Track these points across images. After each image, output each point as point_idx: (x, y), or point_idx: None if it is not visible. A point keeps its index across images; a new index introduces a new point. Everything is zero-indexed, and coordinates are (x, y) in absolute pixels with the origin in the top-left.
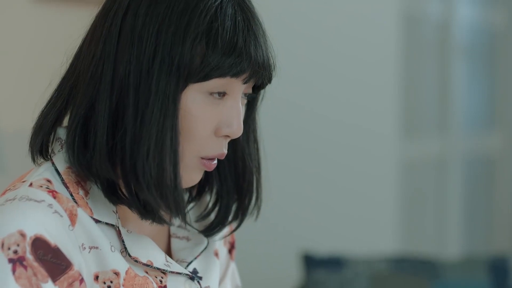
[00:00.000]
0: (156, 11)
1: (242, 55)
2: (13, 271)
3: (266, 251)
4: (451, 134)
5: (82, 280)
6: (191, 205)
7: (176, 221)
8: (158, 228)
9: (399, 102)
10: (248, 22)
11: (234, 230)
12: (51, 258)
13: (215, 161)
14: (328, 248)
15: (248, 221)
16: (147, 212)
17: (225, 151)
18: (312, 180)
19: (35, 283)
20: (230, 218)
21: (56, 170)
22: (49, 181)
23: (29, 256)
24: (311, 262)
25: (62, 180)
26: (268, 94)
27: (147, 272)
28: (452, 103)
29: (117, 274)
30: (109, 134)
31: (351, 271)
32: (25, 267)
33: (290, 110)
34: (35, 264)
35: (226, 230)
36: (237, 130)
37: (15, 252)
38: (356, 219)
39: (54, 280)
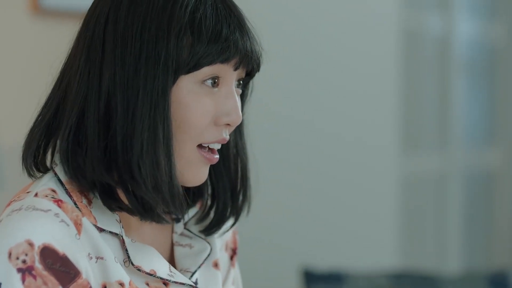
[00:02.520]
0: (137, 11)
1: (228, 40)
2: (23, 280)
3: (266, 267)
4: (451, 149)
5: None
6: (192, 211)
7: (179, 228)
8: (161, 237)
9: (399, 117)
10: (229, 9)
11: (232, 226)
12: (60, 267)
13: (217, 155)
14: (328, 263)
15: (248, 235)
16: (146, 211)
17: (226, 137)
18: (312, 195)
19: None
20: (227, 215)
21: (59, 180)
22: (53, 190)
23: (38, 265)
24: (311, 278)
25: (66, 189)
26: (268, 109)
27: (147, 284)
28: (452, 118)
29: (122, 285)
30: (100, 137)
31: (351, 287)
32: (34, 277)
33: (290, 124)
34: (45, 273)
35: (224, 227)
36: (236, 118)
37: (24, 261)
38: (356, 234)
39: None
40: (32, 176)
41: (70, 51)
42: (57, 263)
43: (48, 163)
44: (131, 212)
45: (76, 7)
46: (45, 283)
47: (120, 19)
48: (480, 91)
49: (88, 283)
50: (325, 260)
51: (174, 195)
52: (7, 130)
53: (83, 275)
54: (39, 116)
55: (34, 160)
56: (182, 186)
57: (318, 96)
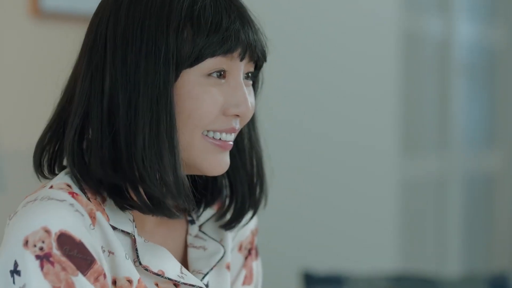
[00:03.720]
0: (137, 10)
1: (229, 30)
2: (41, 267)
3: (266, 269)
4: (451, 152)
5: (105, 275)
6: (208, 212)
7: (193, 230)
8: (175, 238)
9: (399, 120)
10: (229, 1)
11: (251, 218)
12: (77, 253)
13: (231, 142)
14: (328, 266)
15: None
16: (155, 206)
17: (236, 126)
18: (312, 197)
19: (63, 279)
20: (246, 208)
21: (76, 177)
22: (69, 185)
23: (56, 252)
24: (311, 280)
25: (81, 186)
26: (267, 111)
27: (157, 285)
28: (452, 121)
29: (130, 282)
30: (104, 136)
31: None
32: (52, 263)
33: (289, 127)
34: (64, 259)
35: (243, 220)
36: (246, 109)
37: (41, 248)
38: (356, 236)
39: (84, 274)
40: (46, 178)
41: (77, 56)
42: (74, 250)
43: (64, 163)
44: (141, 209)
45: (76, 10)
46: (63, 269)
47: (120, 20)
48: (480, 94)
49: (103, 270)
50: (325, 263)
51: (180, 187)
52: (8, 133)
53: (98, 262)
54: (49, 121)
55: (49, 166)
56: (190, 178)
57: (318, 98)
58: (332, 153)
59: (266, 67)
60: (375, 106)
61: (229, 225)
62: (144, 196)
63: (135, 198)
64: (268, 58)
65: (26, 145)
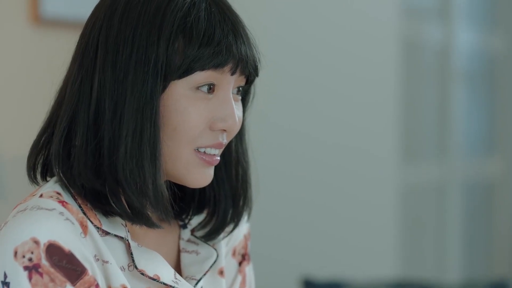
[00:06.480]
0: (130, 17)
1: (221, 44)
2: (29, 278)
3: (266, 276)
4: (451, 159)
5: (97, 286)
6: (199, 217)
7: (185, 234)
8: (167, 243)
9: (399, 127)
10: (224, 14)
11: (231, 232)
12: (66, 264)
13: (218, 157)
14: (328, 273)
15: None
16: (135, 215)
17: (223, 142)
18: (312, 204)
19: None
20: (228, 221)
21: (65, 184)
22: (59, 193)
23: (45, 263)
24: (311, 287)
25: (71, 193)
26: (267, 117)
27: None
28: (452, 128)
29: None
30: (89, 142)
31: None
32: (41, 274)
33: (289, 134)
34: (52, 270)
35: (224, 232)
36: (232, 124)
37: (30, 259)
38: (356, 243)
39: (73, 284)
40: (37, 184)
41: (71, 59)
42: (63, 260)
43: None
44: (121, 217)
45: (77, 17)
46: (52, 280)
47: (113, 25)
48: (480, 101)
49: (95, 280)
50: (325, 270)
51: (158, 198)
52: (8, 140)
53: (90, 272)
54: (42, 124)
55: (42, 171)
56: (169, 189)
57: (318, 105)
58: (333, 160)
59: (266, 73)
60: (376, 113)
61: (210, 236)
62: (125, 204)
63: (115, 205)
64: (267, 62)
65: (26, 152)
